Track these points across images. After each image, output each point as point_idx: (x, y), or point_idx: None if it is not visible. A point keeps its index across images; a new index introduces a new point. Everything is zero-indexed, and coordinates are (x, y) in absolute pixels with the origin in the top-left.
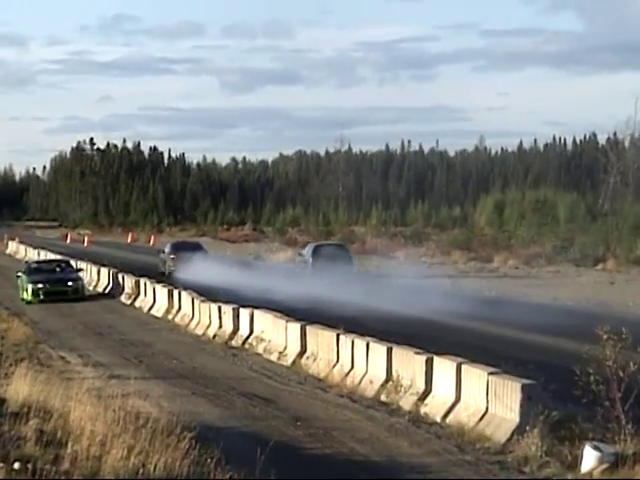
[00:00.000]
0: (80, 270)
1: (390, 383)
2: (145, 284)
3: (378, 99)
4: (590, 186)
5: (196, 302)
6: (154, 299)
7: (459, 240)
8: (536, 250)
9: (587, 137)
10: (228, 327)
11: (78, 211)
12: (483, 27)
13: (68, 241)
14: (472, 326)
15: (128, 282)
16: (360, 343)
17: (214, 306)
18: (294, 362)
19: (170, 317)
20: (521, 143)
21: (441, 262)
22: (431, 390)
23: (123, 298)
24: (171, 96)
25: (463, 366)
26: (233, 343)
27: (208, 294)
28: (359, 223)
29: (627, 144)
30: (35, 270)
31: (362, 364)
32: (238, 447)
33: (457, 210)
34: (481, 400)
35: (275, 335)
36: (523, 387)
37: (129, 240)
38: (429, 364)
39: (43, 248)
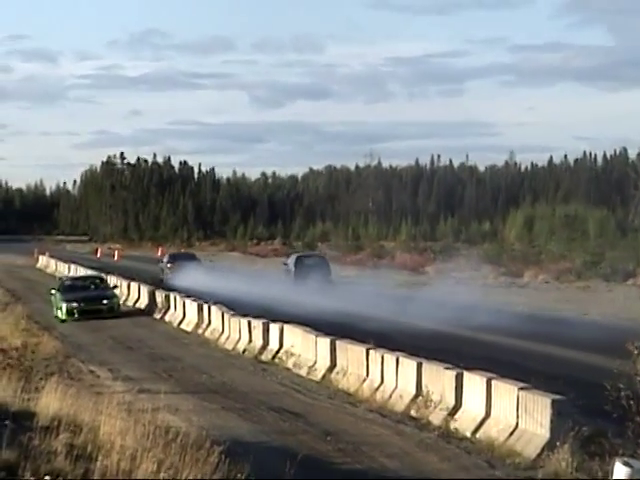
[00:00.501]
0: (115, 287)
1: (420, 398)
2: (175, 298)
3: (407, 114)
4: (620, 201)
5: (226, 316)
6: (184, 313)
7: (489, 255)
8: (566, 265)
9: (617, 152)
10: (258, 341)
11: (108, 225)
12: (512, 42)
13: (98, 255)
14: (501, 341)
15: (158, 296)
16: (390, 358)
17: (244, 320)
18: (324, 377)
19: (200, 331)
20: (551, 158)
21: (471, 277)
22: (461, 405)
23: (154, 313)
24: (200, 111)
25: (493, 381)
26: (263, 358)
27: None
28: (389, 238)
29: None
30: (69, 287)
31: (392, 379)
32: (268, 462)
33: (487, 225)
34: (511, 415)
35: (305, 350)
36: (553, 402)
37: (159, 254)
38: (459, 379)
39: (74, 262)
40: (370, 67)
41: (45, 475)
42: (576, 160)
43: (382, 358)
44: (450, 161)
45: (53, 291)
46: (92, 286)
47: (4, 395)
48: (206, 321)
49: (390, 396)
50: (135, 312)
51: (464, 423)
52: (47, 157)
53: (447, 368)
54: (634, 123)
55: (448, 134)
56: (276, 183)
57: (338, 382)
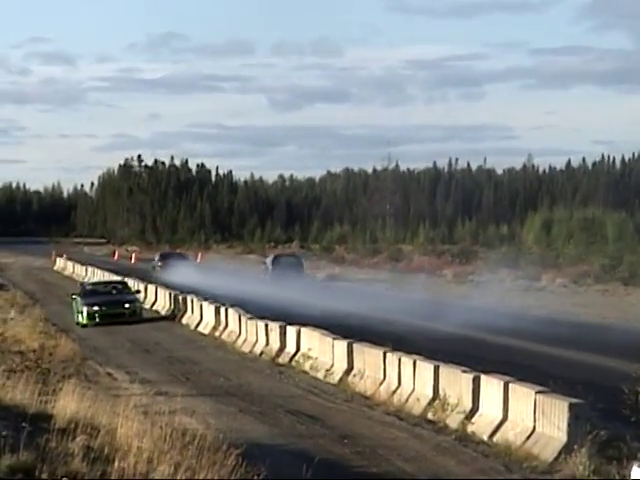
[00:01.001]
0: (138, 292)
1: (437, 401)
2: (192, 301)
3: (426, 117)
4: (639, 205)
5: (243, 319)
6: (201, 316)
7: (506, 258)
8: (584, 269)
9: (636, 155)
10: (275, 344)
11: (125, 228)
12: (532, 45)
13: (115, 258)
14: (518, 344)
15: (175, 300)
16: (407, 361)
17: (261, 323)
18: (341, 380)
19: (217, 334)
20: (569, 162)
21: (488, 280)
22: (478, 408)
23: (170, 315)
24: (219, 114)
25: (510, 385)
26: (280, 360)
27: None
28: (406, 241)
29: None
30: (90, 292)
31: (409, 382)
32: (284, 465)
33: (504, 228)
34: (528, 419)
35: (322, 353)
36: (571, 406)
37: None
38: (476, 382)
39: (91, 265)
40: (389, 70)
41: (62, 477)
42: (594, 163)
43: (399, 361)
44: (468, 164)
45: (74, 296)
46: (114, 290)
47: (21, 397)
48: (223, 324)
49: (407, 399)
50: (153, 315)
51: (481, 426)
52: (65, 160)
53: (464, 371)
54: None
55: (466, 137)
56: (294, 186)
57: (355, 385)
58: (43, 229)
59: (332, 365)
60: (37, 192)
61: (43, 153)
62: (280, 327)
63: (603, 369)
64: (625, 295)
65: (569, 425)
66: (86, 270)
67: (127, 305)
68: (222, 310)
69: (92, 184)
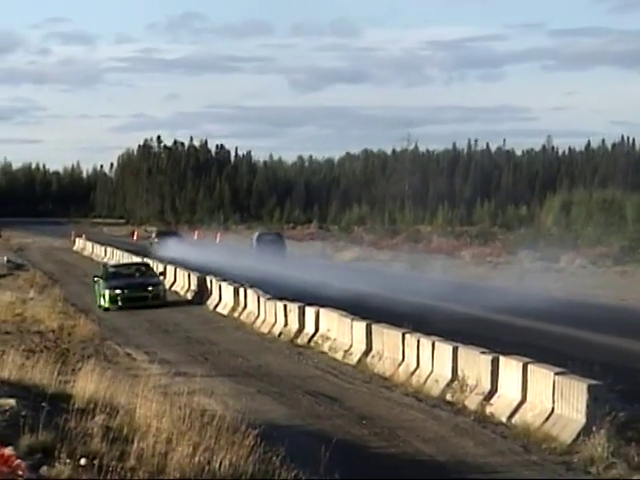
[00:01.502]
0: (162, 274)
1: (456, 383)
2: (211, 282)
3: (445, 98)
4: None
5: (262, 300)
6: (220, 297)
7: (525, 239)
8: (603, 250)
9: None
10: (294, 325)
11: (145, 208)
12: (551, 26)
13: (135, 238)
14: (537, 326)
15: (194, 280)
16: (426, 342)
17: (280, 304)
18: (359, 361)
19: (236, 315)
20: (589, 143)
21: (507, 262)
22: (497, 390)
23: (189, 296)
24: (238, 94)
25: (529, 366)
26: (299, 341)
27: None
28: (425, 222)
29: None
30: (113, 275)
31: (428, 363)
32: (303, 445)
33: (523, 209)
34: (547, 400)
35: (341, 334)
36: (590, 387)
37: (195, 237)
38: (495, 364)
39: (110, 245)
40: (408, 51)
41: (81, 457)
42: (614, 145)
43: (418, 342)
44: (487, 145)
45: (96, 278)
46: (137, 273)
47: (41, 377)
48: (242, 304)
49: (426, 380)
50: (171, 295)
51: (500, 408)
52: (84, 140)
53: (483, 353)
54: None
55: (485, 118)
56: (312, 167)
57: (374, 366)
58: (62, 210)
59: (351, 346)
60: (56, 172)
61: (62, 133)
62: (299, 308)
63: (622, 351)
64: None
65: (588, 407)
66: (105, 250)
67: (150, 288)
68: (241, 291)
69: (111, 165)
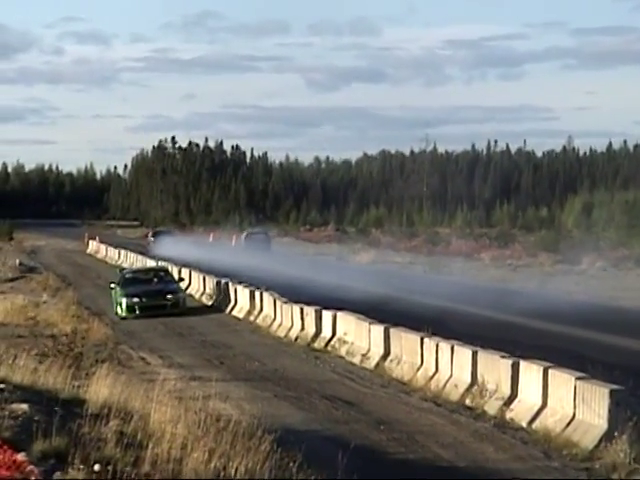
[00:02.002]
0: (181, 280)
1: (475, 387)
2: (227, 285)
3: (465, 98)
4: None
5: (278, 303)
6: (235, 300)
7: (546, 242)
8: (625, 252)
9: None
10: (310, 329)
11: (159, 210)
12: (573, 25)
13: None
14: (557, 329)
15: (209, 283)
16: (445, 346)
17: (296, 307)
18: (377, 365)
19: (252, 318)
20: (610, 143)
21: (527, 264)
22: (517, 395)
23: (204, 299)
24: (254, 94)
25: (550, 371)
26: (315, 345)
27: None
28: (444, 224)
29: None
30: (130, 281)
31: (447, 367)
32: (320, 450)
33: (544, 211)
34: (568, 406)
35: (358, 337)
36: (611, 392)
37: (210, 239)
38: (515, 368)
39: (124, 248)
40: (428, 50)
41: (95, 463)
42: (636, 145)
43: (437, 346)
44: (507, 146)
45: (113, 285)
46: (155, 279)
47: (54, 382)
48: (258, 308)
49: (445, 385)
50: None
51: (520, 413)
52: (99, 141)
53: (503, 357)
54: None
55: (505, 119)
56: (330, 168)
57: (392, 370)
58: (76, 211)
59: (368, 350)
60: (70, 174)
61: (76, 134)
62: (316, 311)
63: None
64: None
65: (610, 412)
66: (119, 253)
67: (169, 296)
68: (257, 294)
69: (125, 166)
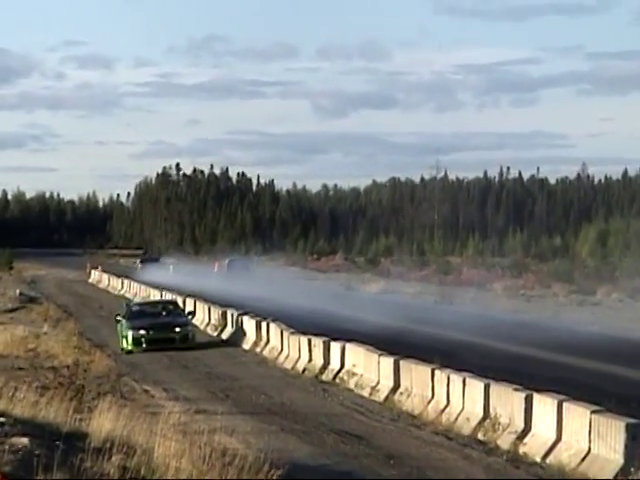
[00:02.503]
0: (191, 313)
1: (487, 421)
2: (232, 315)
3: (477, 124)
4: None
5: (285, 334)
6: (242, 331)
7: (560, 271)
8: None
9: None
10: (318, 361)
11: (163, 239)
12: (588, 49)
13: None
14: (572, 361)
15: (214, 313)
16: (456, 379)
17: (304, 339)
18: (387, 398)
19: (258, 350)
20: (626, 171)
21: (541, 294)
22: (531, 429)
23: (209, 330)
24: (261, 120)
25: (564, 404)
26: (323, 377)
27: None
28: (455, 253)
29: None
30: (137, 314)
31: (458, 400)
32: None
33: (558, 240)
34: (583, 440)
35: (367, 369)
36: (628, 426)
37: (215, 269)
38: (529, 401)
39: (127, 277)
40: (439, 75)
41: None
42: None
43: (448, 378)
44: (520, 173)
45: (119, 318)
46: (163, 312)
47: (55, 415)
48: (264, 339)
49: (456, 418)
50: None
51: (534, 447)
52: (101, 167)
53: (516, 389)
54: None
55: (518, 145)
56: (338, 195)
57: (402, 403)
58: (77, 240)
59: (378, 382)
60: (71, 201)
61: (78, 161)
62: (324, 342)
63: None
64: None
65: (626, 446)
66: (122, 283)
67: (178, 329)
68: (263, 325)
69: (128, 194)
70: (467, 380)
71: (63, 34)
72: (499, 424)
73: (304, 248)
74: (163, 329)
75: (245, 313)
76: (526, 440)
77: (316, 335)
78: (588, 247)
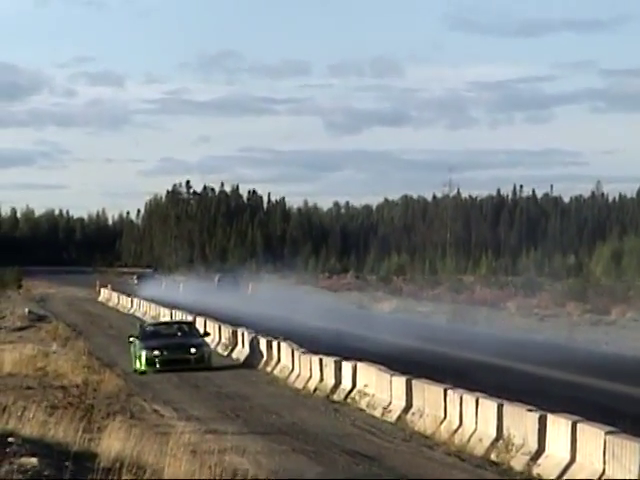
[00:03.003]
0: (207, 334)
1: (501, 441)
2: (243, 334)
3: (490, 141)
4: None
5: (296, 354)
6: (252, 350)
7: (574, 290)
8: None
9: None
10: (330, 380)
11: (173, 257)
12: (603, 66)
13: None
14: (586, 381)
15: (225, 332)
16: (469, 399)
17: (315, 358)
18: (399, 418)
19: (269, 369)
20: None
21: (554, 314)
22: (544, 449)
23: (220, 349)
24: (272, 137)
25: (578, 424)
26: (335, 397)
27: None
28: (468, 272)
29: None
30: (151, 334)
31: (471, 421)
32: None
33: (572, 258)
34: (598, 461)
35: (379, 389)
36: None
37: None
38: (542, 422)
39: (137, 296)
40: (452, 92)
41: None
42: None
43: (461, 399)
44: (533, 191)
45: (132, 339)
46: (179, 332)
47: (64, 435)
48: (275, 358)
49: (469, 439)
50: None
51: (547, 468)
52: (110, 185)
53: (530, 410)
54: None
55: (532, 163)
56: (349, 213)
57: (414, 424)
58: (87, 258)
59: (390, 402)
60: (80, 219)
61: (87, 178)
62: (335, 362)
63: None
64: None
65: None
66: (132, 302)
67: (193, 350)
68: (274, 344)
69: (138, 211)
70: (480, 400)
71: (73, 50)
72: (512, 445)
73: (315, 266)
74: (178, 349)
75: (256, 332)
76: (540, 461)
77: (327, 354)
78: (602, 266)
